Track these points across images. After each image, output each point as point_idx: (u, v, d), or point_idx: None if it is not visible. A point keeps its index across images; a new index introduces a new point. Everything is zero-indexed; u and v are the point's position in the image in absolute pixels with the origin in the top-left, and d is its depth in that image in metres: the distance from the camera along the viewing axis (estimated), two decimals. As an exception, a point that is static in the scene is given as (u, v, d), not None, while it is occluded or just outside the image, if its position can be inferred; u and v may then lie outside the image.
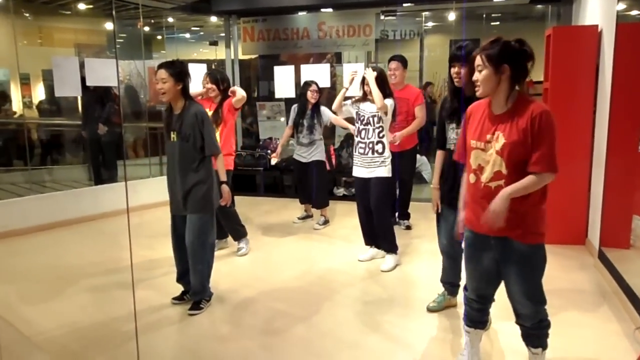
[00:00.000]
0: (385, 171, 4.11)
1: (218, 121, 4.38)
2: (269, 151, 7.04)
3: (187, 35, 10.68)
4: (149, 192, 6.53)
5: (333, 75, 7.33)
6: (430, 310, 3.42)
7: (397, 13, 7.51)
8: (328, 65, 7.22)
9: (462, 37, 8.72)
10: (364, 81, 4.14)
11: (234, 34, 7.75)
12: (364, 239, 4.49)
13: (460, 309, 3.19)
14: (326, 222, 5.63)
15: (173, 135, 3.34)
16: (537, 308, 2.35)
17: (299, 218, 5.85)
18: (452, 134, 3.06)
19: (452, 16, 7.75)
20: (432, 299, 3.49)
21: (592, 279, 4.00)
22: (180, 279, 3.61)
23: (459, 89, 2.97)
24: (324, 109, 5.39)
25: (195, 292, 3.50)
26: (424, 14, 7.89)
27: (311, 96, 5.32)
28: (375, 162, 4.10)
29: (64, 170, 7.48)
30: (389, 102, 4.09)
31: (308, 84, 5.39)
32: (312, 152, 5.41)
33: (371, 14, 7.00)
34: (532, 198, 2.20)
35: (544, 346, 2.44)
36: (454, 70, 3.00)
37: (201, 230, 3.39)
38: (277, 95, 7.28)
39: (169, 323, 3.35)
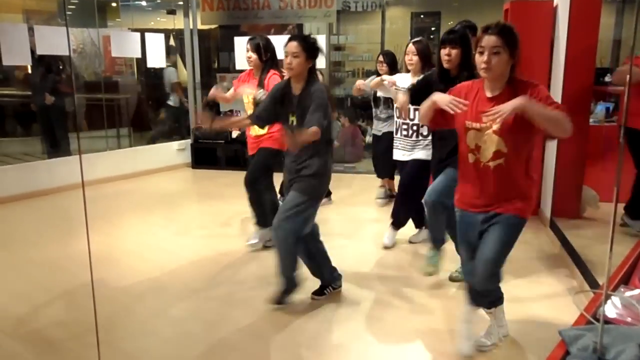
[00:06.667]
0: (424, 154, 3.80)
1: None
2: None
3: (144, 3, 10.27)
4: (105, 165, 6.38)
5: (295, 47, 7.23)
6: (452, 279, 3.48)
7: (359, -16, 7.46)
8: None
9: (423, 10, 8.76)
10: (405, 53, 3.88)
11: (193, 3, 7.52)
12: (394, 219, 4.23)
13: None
14: (386, 193, 5.45)
15: (292, 118, 2.95)
16: (494, 276, 2.43)
17: (379, 198, 5.45)
18: None
19: (413, -12, 7.75)
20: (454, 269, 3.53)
21: (543, 246, 4.17)
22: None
23: (447, 71, 3.03)
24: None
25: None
26: (385, -15, 7.86)
27: (380, 68, 4.87)
28: (419, 144, 3.82)
29: (16, 142, 7.19)
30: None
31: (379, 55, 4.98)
32: (385, 126, 4.93)
33: (333, -16, 6.91)
34: (520, 169, 2.28)
35: (498, 304, 2.62)
36: (444, 51, 3.00)
37: (298, 214, 2.94)
38: (237, 67, 7.14)
39: (126, 297, 3.32)
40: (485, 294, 2.54)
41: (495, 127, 2.21)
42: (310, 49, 2.88)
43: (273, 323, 2.98)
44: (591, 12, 4.25)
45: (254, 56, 3.88)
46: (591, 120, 4.81)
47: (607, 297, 2.10)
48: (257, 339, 2.81)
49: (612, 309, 2.15)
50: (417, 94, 3.12)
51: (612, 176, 1.81)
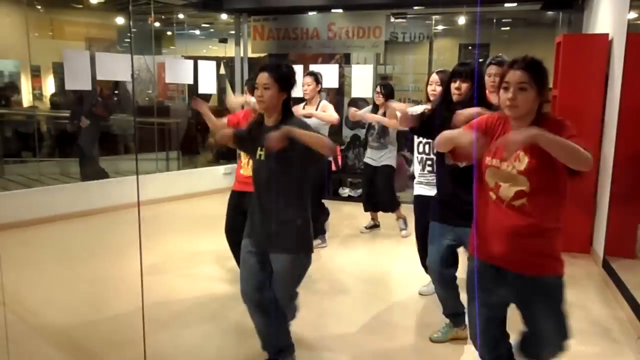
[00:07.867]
0: None
1: None
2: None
3: (197, 32, 10.70)
4: (154, 187, 6.57)
5: (341, 76, 7.33)
6: (433, 340, 3.15)
7: (408, 16, 7.51)
8: (337, 65, 7.23)
9: (472, 42, 8.72)
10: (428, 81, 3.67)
11: (244, 32, 7.76)
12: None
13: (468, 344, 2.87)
14: (406, 222, 5.30)
15: (260, 152, 2.59)
16: (564, 343, 2.18)
17: (366, 227, 5.53)
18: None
19: (462, 20, 7.75)
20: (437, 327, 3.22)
21: (596, 288, 3.99)
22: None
23: (454, 104, 2.85)
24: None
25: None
26: (434, 17, 7.88)
27: (377, 98, 5.05)
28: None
29: (73, 162, 7.52)
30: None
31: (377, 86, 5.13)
32: (383, 156, 5.13)
33: (381, 15, 7.00)
34: (546, 214, 2.08)
35: None
36: (454, 85, 2.88)
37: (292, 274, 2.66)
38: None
39: (176, 319, 3.37)
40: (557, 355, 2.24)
41: (519, 166, 2.04)
42: (282, 80, 2.59)
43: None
44: (649, 45, 4.13)
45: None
46: (648, 156, 4.63)
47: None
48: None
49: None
50: (425, 125, 2.93)
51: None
